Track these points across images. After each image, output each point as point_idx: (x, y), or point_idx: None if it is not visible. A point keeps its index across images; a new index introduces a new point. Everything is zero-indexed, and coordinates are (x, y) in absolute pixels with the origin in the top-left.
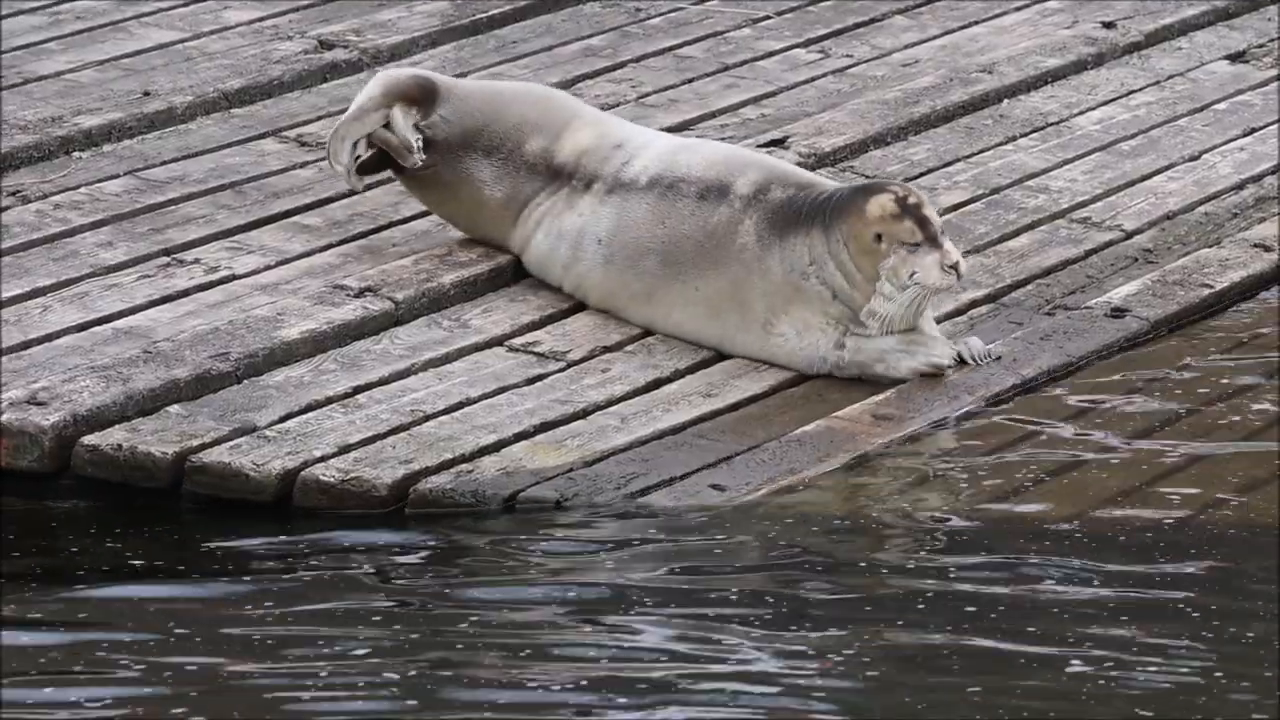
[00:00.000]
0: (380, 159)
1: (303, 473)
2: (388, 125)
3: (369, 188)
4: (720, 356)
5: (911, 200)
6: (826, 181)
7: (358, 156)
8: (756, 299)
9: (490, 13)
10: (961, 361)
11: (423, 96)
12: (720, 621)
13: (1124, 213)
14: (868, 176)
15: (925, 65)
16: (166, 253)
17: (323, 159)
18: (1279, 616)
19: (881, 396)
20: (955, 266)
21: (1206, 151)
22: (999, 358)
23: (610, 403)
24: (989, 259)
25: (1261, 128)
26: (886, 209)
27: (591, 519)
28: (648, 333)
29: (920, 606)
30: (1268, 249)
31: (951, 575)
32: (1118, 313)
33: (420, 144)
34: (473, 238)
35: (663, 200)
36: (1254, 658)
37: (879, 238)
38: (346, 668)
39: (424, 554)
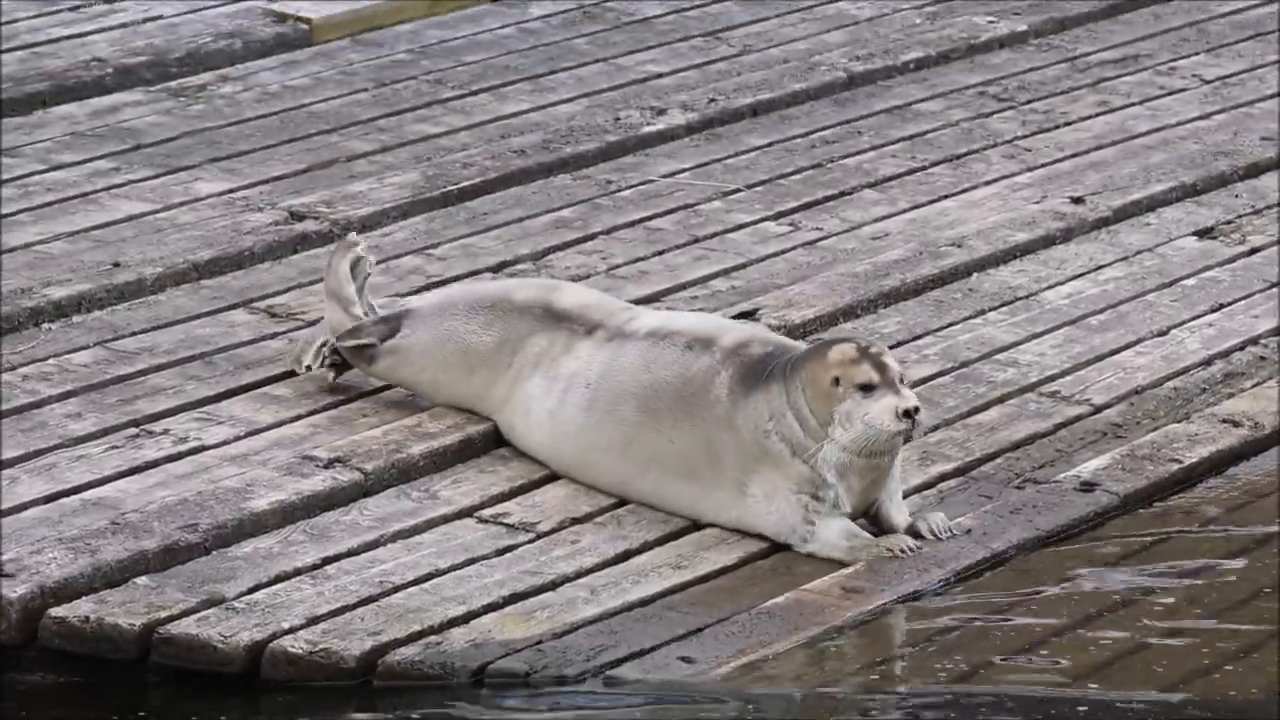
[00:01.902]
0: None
1: (271, 644)
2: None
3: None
4: (689, 529)
5: (873, 350)
6: (804, 345)
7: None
8: (729, 457)
9: (461, 184)
10: (919, 536)
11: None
12: None
13: (1093, 387)
14: None
15: (895, 238)
16: (135, 424)
17: (293, 329)
18: None
19: (850, 570)
20: (910, 413)
21: (1175, 327)
22: (968, 531)
23: (579, 574)
24: (958, 432)
25: (1230, 304)
26: (846, 355)
27: (560, 692)
28: (617, 504)
29: None
30: (1236, 424)
31: None
32: (1087, 487)
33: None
34: (452, 404)
35: (653, 347)
36: None
37: (836, 381)
38: None
39: None
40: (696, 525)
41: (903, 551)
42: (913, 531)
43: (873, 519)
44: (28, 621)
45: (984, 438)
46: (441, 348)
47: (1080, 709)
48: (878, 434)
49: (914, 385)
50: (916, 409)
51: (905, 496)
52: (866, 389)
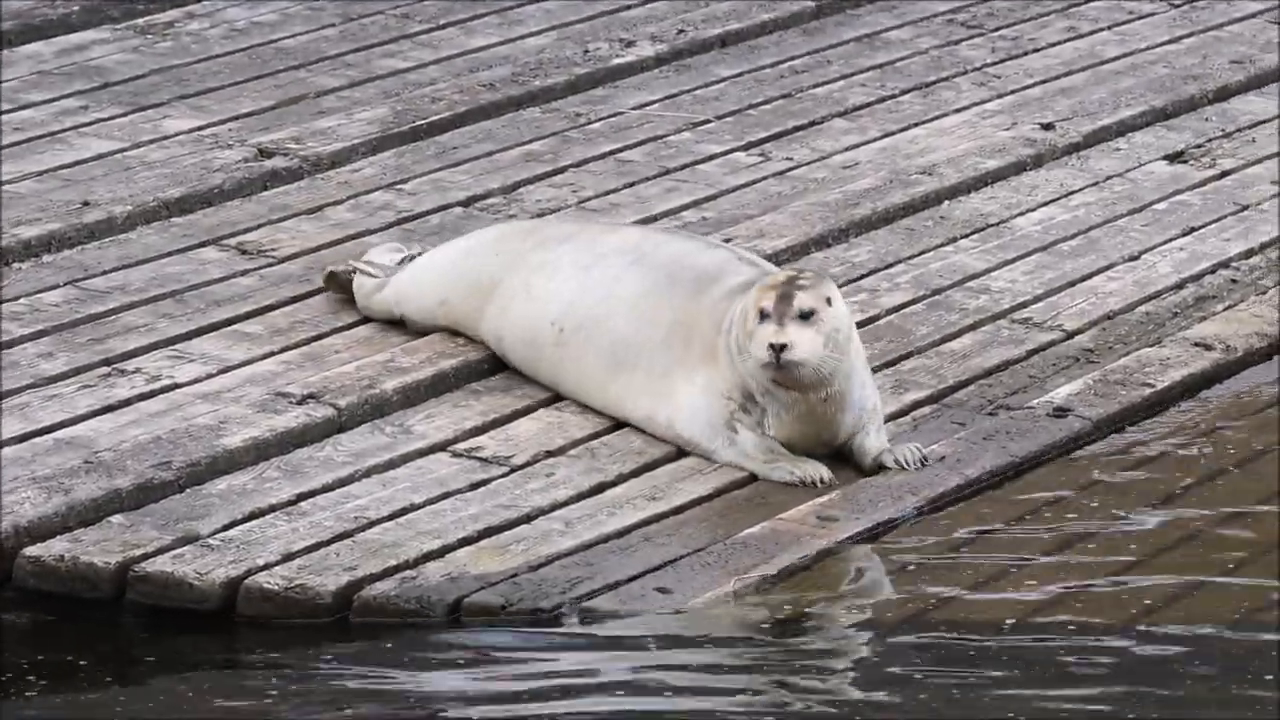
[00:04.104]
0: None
1: (246, 581)
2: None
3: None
4: (664, 460)
5: (800, 281)
6: None
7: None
8: (698, 341)
9: (430, 119)
10: (885, 468)
11: None
12: None
13: (1065, 313)
14: None
15: (865, 167)
16: (107, 362)
17: (264, 266)
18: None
19: (826, 498)
20: (775, 348)
21: (1146, 251)
22: (941, 458)
23: (554, 507)
24: (931, 360)
25: (1200, 227)
26: (772, 280)
27: (536, 624)
28: (591, 436)
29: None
30: (1208, 348)
31: (892, 683)
32: (1060, 412)
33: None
34: (442, 306)
35: (714, 245)
36: None
37: (756, 302)
38: None
39: (367, 664)
40: (670, 457)
41: (814, 483)
42: (880, 463)
43: (847, 450)
44: (2, 561)
45: (956, 365)
46: (446, 250)
47: (1032, 645)
48: (751, 359)
49: (887, 313)
50: (783, 346)
51: (886, 421)
52: (762, 315)
